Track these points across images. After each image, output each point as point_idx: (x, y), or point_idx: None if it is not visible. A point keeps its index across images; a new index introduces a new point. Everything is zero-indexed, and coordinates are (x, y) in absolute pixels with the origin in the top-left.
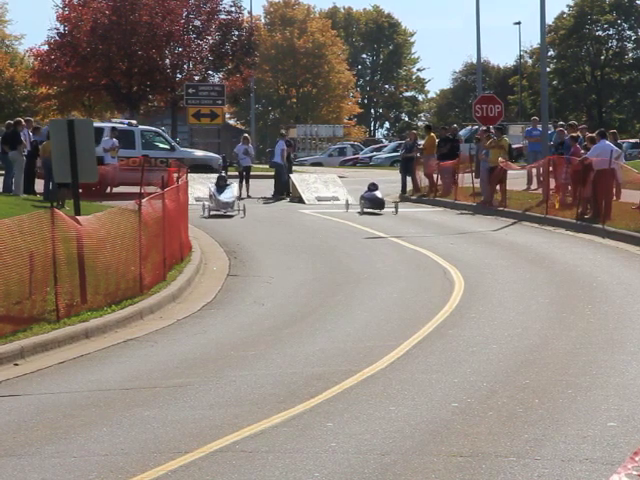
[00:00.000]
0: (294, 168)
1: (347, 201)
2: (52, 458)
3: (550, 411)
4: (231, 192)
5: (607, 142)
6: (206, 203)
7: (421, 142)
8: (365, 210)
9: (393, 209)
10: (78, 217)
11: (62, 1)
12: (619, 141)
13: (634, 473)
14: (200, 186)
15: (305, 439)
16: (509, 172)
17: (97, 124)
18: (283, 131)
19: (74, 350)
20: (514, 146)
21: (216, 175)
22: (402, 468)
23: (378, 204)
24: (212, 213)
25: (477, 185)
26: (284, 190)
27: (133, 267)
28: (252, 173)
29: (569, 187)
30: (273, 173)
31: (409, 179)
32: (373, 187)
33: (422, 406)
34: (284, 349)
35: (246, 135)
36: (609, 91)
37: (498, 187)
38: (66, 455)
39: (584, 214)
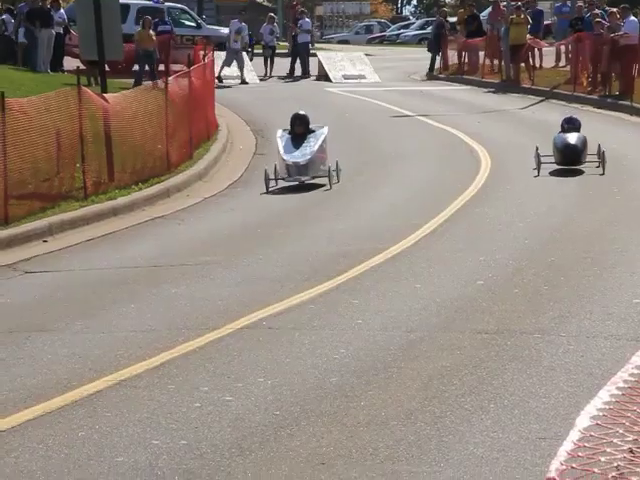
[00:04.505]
0: (321, 46)
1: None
2: (81, 334)
3: (575, 288)
4: (310, 147)
5: (633, 18)
6: (269, 171)
7: (452, 19)
8: (545, 163)
9: (598, 165)
10: (105, 94)
11: None
12: None
13: None
14: (225, 65)
15: (331, 316)
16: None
17: (123, 1)
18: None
19: (102, 228)
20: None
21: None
22: (427, 345)
23: (570, 157)
24: (277, 185)
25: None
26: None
27: (160, 145)
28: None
29: (599, 64)
30: (289, 51)
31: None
32: (569, 124)
33: (448, 284)
34: (309, 228)
35: (272, 15)
36: None
37: (524, 65)
38: (95, 331)
39: (610, 92)
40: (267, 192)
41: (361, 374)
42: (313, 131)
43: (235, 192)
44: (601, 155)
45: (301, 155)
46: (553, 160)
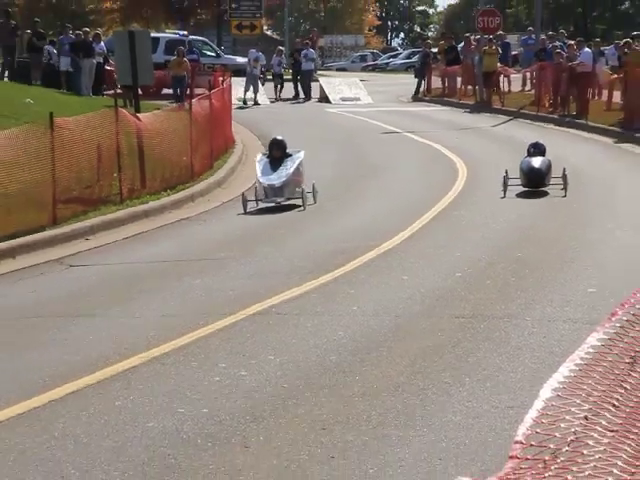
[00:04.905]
0: (322, 73)
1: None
2: (118, 318)
3: (539, 280)
4: (286, 170)
5: (587, 49)
6: (246, 194)
7: (433, 50)
8: (509, 186)
9: (560, 188)
10: (138, 114)
11: None
12: (602, 48)
13: (611, 331)
14: (241, 88)
15: (331, 303)
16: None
17: (154, 34)
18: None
19: (135, 228)
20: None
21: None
22: (413, 328)
23: (534, 181)
24: (257, 207)
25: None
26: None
27: (185, 157)
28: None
29: (559, 89)
30: (292, 77)
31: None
32: (535, 149)
33: (430, 276)
34: (313, 228)
35: (280, 48)
36: (593, 5)
37: (495, 89)
38: (129, 316)
39: (568, 112)
40: (245, 213)
41: (356, 353)
42: (290, 155)
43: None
44: (564, 178)
45: (277, 178)
46: (520, 182)
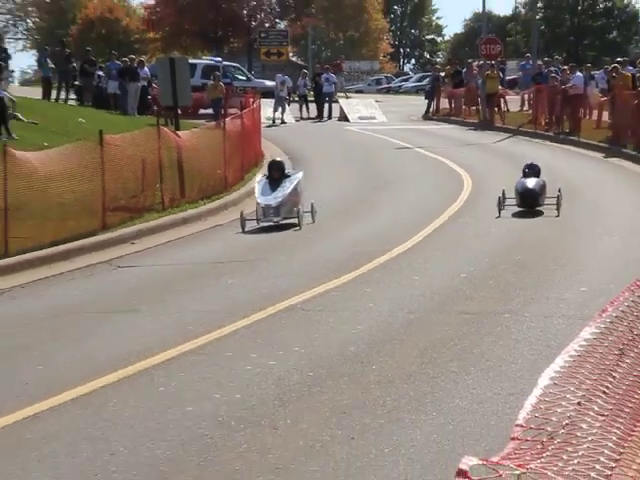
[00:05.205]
0: (341, 94)
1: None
2: (159, 314)
3: (536, 280)
4: (283, 190)
5: (579, 74)
6: (244, 213)
7: (442, 73)
8: (507, 205)
9: (554, 208)
10: (178, 132)
11: None
12: (592, 73)
13: (601, 326)
14: (269, 108)
15: (349, 301)
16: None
17: (191, 61)
18: (328, 66)
19: (176, 233)
20: (510, 77)
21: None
22: (424, 323)
23: (528, 201)
24: (258, 225)
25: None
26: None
27: (219, 170)
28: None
29: (555, 108)
30: (314, 98)
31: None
32: (530, 170)
33: (439, 276)
34: (332, 234)
35: (304, 71)
36: (584, 34)
37: (497, 109)
38: (170, 312)
39: (562, 130)
40: (243, 232)
41: (373, 345)
42: (289, 176)
43: None
44: (558, 199)
45: (273, 198)
46: (515, 202)
